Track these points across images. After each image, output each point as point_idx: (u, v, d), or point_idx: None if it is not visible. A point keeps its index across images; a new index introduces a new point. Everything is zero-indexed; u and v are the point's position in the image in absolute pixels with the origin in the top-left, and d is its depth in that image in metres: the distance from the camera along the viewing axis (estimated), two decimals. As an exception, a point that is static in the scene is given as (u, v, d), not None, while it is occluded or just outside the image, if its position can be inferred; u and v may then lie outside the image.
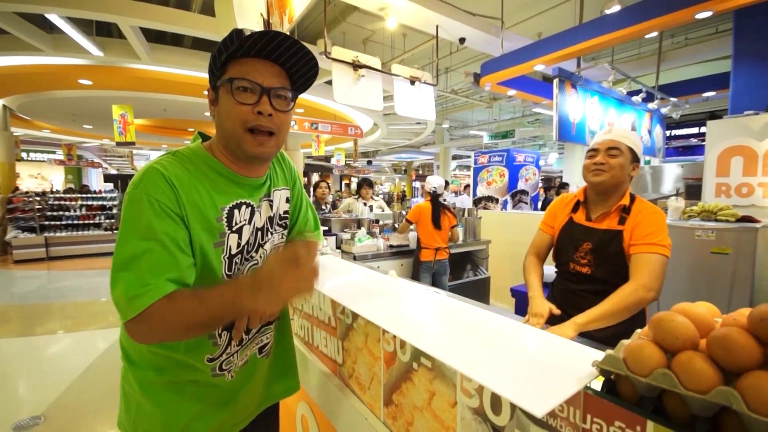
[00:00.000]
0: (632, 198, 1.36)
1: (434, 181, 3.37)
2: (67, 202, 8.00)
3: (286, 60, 0.74)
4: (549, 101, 6.52)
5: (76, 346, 3.58)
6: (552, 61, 4.38)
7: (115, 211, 8.64)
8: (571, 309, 1.30)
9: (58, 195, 8.15)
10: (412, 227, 3.45)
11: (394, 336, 0.82)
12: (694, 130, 9.94)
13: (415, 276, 3.33)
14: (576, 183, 8.14)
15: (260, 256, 0.84)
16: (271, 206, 0.87)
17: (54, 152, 15.20)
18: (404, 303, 0.96)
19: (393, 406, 0.85)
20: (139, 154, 16.67)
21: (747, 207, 2.88)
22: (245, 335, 0.85)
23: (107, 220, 8.46)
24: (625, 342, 0.49)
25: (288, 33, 0.69)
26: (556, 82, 4.02)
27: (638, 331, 0.52)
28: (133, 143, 7.29)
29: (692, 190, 3.80)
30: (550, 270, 1.60)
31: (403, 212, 4.09)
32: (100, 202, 8.58)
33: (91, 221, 8.33)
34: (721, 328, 0.41)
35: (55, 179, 17.41)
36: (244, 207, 0.79)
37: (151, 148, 14.59)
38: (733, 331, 0.40)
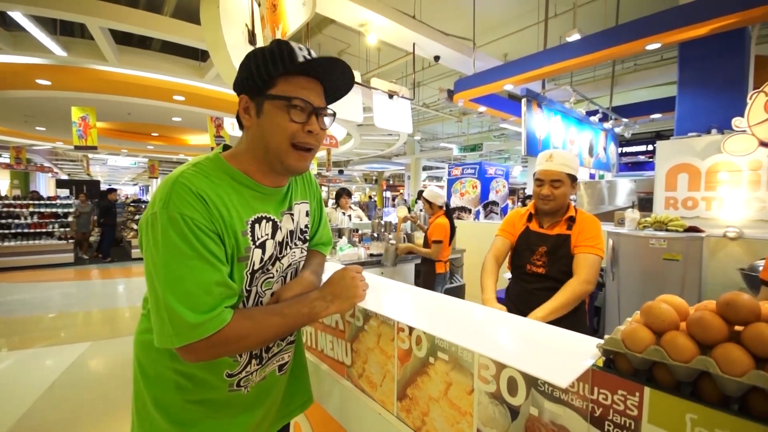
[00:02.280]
0: (575, 209, 1.66)
1: (441, 193, 3.30)
2: (17, 209, 7.42)
3: (328, 79, 0.78)
4: (515, 118, 6.92)
5: (34, 364, 3.34)
6: (520, 81, 4.70)
7: (70, 219, 8.11)
8: (526, 308, 1.52)
9: (6, 201, 7.55)
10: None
11: (410, 333, 0.90)
12: (643, 148, 10.85)
13: (429, 288, 3.31)
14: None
15: (276, 270, 0.84)
16: (293, 219, 0.88)
17: (0, 155, 14.02)
18: (416, 304, 1.05)
19: (407, 400, 0.92)
20: (96, 158, 15.72)
21: (692, 218, 3.22)
22: (265, 353, 0.86)
23: (61, 229, 7.92)
24: (620, 328, 0.60)
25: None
26: (524, 101, 4.32)
27: (628, 319, 0.63)
28: (94, 147, 6.92)
29: (644, 203, 4.18)
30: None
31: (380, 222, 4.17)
32: (52, 209, 8.03)
33: (43, 230, 7.76)
34: (697, 312, 0.53)
35: (0, 184, 16.02)
36: (264, 221, 0.79)
37: (109, 152, 13.82)
38: (706, 313, 0.51)
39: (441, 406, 0.83)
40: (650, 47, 3.58)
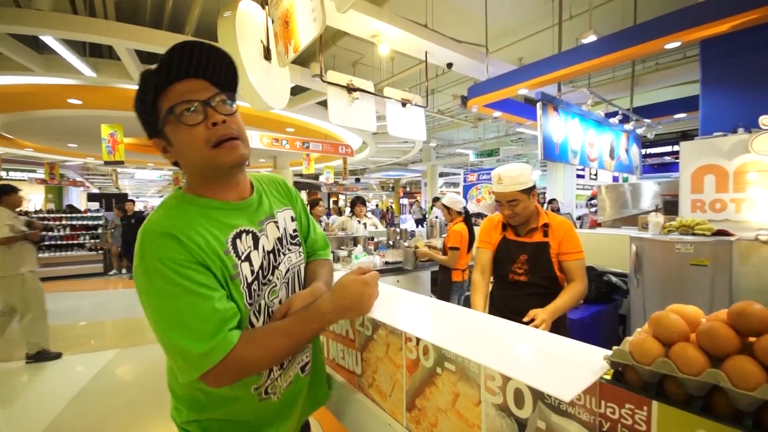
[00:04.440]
0: (544, 213, 1.72)
1: (460, 200, 3.32)
2: (51, 222, 7.82)
3: (203, 71, 0.73)
4: (531, 122, 6.83)
5: (65, 371, 3.48)
6: (535, 85, 4.64)
7: (99, 231, 8.47)
8: (511, 312, 1.56)
9: (41, 215, 7.96)
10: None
11: (417, 344, 0.89)
12: (668, 149, 10.49)
13: (444, 297, 3.30)
14: (560, 199, 8.43)
15: (277, 278, 0.85)
16: (278, 227, 0.87)
17: (34, 171, 14.84)
18: (424, 313, 1.04)
19: (416, 411, 0.91)
20: (124, 172, 16.42)
21: (721, 221, 3.08)
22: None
23: (91, 240, 8.28)
24: (628, 338, 0.59)
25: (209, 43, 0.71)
26: (539, 105, 4.26)
27: (638, 329, 0.61)
28: (121, 162, 7.24)
29: (669, 206, 4.02)
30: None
31: (397, 229, 4.18)
32: (83, 222, 8.41)
33: (75, 241, 8.14)
34: (707, 323, 0.51)
35: (35, 198, 16.92)
36: (244, 235, 0.78)
37: (136, 167, 14.41)
38: (717, 324, 0.49)
39: (449, 417, 0.82)
40: (670, 46, 3.48)
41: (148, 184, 23.25)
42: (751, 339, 0.49)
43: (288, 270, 0.88)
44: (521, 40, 6.47)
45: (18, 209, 3.88)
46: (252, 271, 0.78)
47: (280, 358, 0.74)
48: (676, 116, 7.41)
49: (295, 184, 15.88)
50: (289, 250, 0.89)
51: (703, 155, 3.31)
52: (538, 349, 0.76)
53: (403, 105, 4.31)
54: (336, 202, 21.75)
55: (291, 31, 2.16)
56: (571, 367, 0.63)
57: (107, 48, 6.27)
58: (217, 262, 0.71)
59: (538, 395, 0.63)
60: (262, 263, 0.80)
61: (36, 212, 8.36)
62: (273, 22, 2.43)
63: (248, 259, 0.77)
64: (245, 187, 0.84)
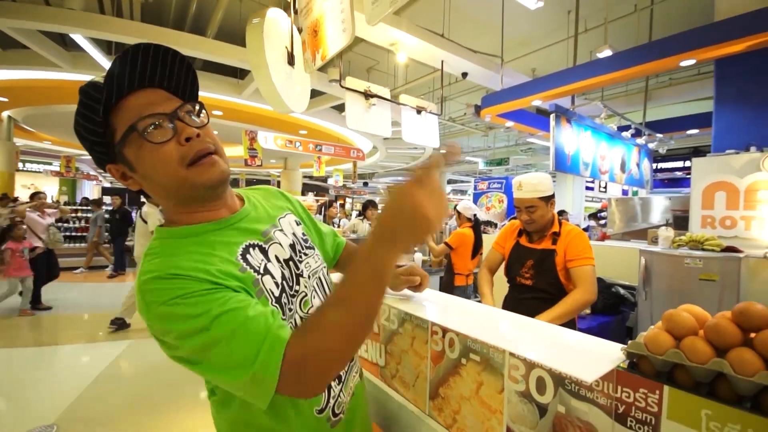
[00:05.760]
0: (560, 222, 1.77)
1: (473, 207, 3.43)
2: (66, 215, 8.01)
3: (161, 79, 0.62)
4: (543, 132, 6.89)
5: (81, 357, 3.60)
6: (549, 97, 4.71)
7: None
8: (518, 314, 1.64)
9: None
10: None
11: (443, 336, 0.97)
12: (679, 164, 10.47)
13: None
14: (569, 210, 8.45)
15: (305, 287, 0.75)
16: (285, 234, 0.78)
17: (50, 163, 15.18)
18: (448, 308, 1.12)
19: (439, 399, 0.99)
20: (137, 168, 16.70)
21: (730, 238, 3.12)
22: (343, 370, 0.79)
23: (106, 233, 8.46)
24: (643, 333, 0.66)
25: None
26: (553, 116, 4.33)
27: (652, 326, 0.68)
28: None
29: (680, 221, 4.05)
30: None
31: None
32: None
33: (88, 233, 8.32)
34: (713, 319, 0.58)
35: (48, 191, 17.27)
36: (251, 249, 0.68)
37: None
38: (722, 320, 0.57)
39: (472, 404, 0.89)
40: (685, 63, 3.55)
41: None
42: (752, 335, 0.56)
43: (312, 275, 0.79)
44: (536, 52, 6.55)
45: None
46: (276, 284, 0.68)
47: (349, 337, 0.54)
48: (689, 132, 7.43)
49: (303, 185, 16.06)
50: (305, 255, 0.80)
51: (714, 172, 3.35)
52: (559, 341, 0.83)
53: (418, 112, 4.41)
54: (342, 205, 21.90)
55: (320, 40, 2.26)
56: (589, 356, 0.70)
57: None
58: (237, 283, 0.60)
59: (559, 382, 0.70)
60: (283, 274, 0.71)
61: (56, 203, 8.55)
62: (301, 31, 2.54)
63: (267, 272, 0.67)
64: (234, 201, 0.74)
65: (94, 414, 2.60)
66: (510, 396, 0.80)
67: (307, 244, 0.83)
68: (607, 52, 4.37)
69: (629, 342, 0.65)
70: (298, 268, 0.76)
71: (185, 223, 0.66)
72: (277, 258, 0.72)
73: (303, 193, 13.20)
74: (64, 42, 5.82)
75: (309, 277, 0.78)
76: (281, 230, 0.77)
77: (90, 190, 18.11)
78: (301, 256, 0.78)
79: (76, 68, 5.89)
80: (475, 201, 6.59)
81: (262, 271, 0.66)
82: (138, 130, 0.58)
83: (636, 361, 0.64)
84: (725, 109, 3.91)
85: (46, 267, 5.13)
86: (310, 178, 16.63)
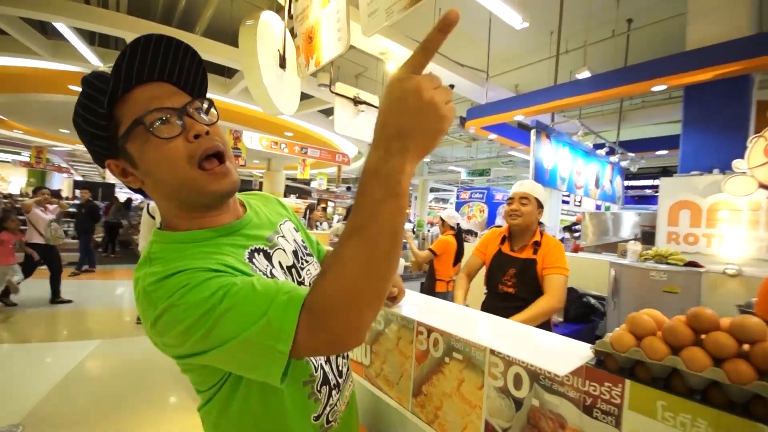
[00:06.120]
0: (541, 233, 1.86)
1: (456, 216, 3.54)
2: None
3: (170, 73, 0.60)
4: (524, 146, 7.13)
5: (50, 357, 3.46)
6: (530, 113, 4.90)
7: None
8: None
9: (20, 199, 7.81)
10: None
11: (428, 336, 1.02)
12: (649, 182, 11.00)
13: None
14: (547, 222, 8.73)
15: None
16: (287, 240, 0.76)
17: (19, 153, 14.50)
18: (433, 309, 1.18)
19: (422, 396, 1.04)
20: (112, 162, 16.15)
21: (693, 254, 3.32)
22: (339, 378, 0.78)
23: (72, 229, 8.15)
24: (609, 334, 0.73)
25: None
26: (534, 132, 4.51)
27: (617, 328, 0.76)
28: (117, 152, 7.22)
29: (647, 236, 4.28)
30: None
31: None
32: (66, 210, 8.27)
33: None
34: (669, 322, 0.66)
35: (15, 182, 16.48)
36: (257, 254, 0.66)
37: (126, 158, 14.25)
38: (677, 323, 0.64)
39: (453, 400, 0.94)
40: (656, 89, 3.78)
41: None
42: (703, 336, 0.64)
43: (310, 284, 0.73)
44: (519, 68, 6.81)
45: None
46: None
47: (374, 270, 0.45)
48: (658, 153, 7.84)
49: (286, 187, 15.92)
50: (306, 262, 0.79)
51: (680, 191, 3.57)
52: (535, 341, 0.90)
53: (405, 121, 4.50)
54: (324, 209, 21.81)
55: (314, 47, 2.31)
56: (562, 354, 0.77)
57: (114, 39, 6.33)
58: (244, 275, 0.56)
59: (534, 377, 0.77)
60: (286, 281, 0.66)
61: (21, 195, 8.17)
62: (296, 36, 2.58)
63: (274, 278, 0.65)
64: (237, 207, 0.71)
65: (61, 414, 2.51)
66: (489, 392, 0.86)
67: (307, 251, 0.82)
68: (585, 74, 4.61)
69: (597, 341, 0.72)
70: (300, 276, 0.74)
71: (186, 228, 0.62)
72: (280, 264, 0.70)
73: (285, 195, 13.09)
74: (45, 30, 5.64)
75: (310, 284, 0.71)
76: (283, 236, 0.76)
77: (60, 182, 17.37)
78: (302, 263, 0.77)
79: (56, 57, 5.72)
80: (457, 209, 6.72)
81: (269, 275, 0.64)
82: (144, 123, 0.55)
83: (602, 358, 0.72)
84: (692, 132, 4.18)
85: (48, 263, 5.02)
86: (293, 180, 16.51)
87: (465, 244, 4.11)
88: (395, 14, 1.87)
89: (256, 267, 0.63)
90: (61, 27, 4.74)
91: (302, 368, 0.68)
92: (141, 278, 0.55)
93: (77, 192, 11.98)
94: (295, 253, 0.76)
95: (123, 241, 10.16)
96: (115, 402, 2.71)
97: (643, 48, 5.61)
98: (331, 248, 1.06)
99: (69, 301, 5.07)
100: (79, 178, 19.26)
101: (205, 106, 0.63)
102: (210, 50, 5.33)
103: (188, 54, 0.61)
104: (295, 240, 0.79)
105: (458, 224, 3.49)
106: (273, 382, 0.50)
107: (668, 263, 2.79)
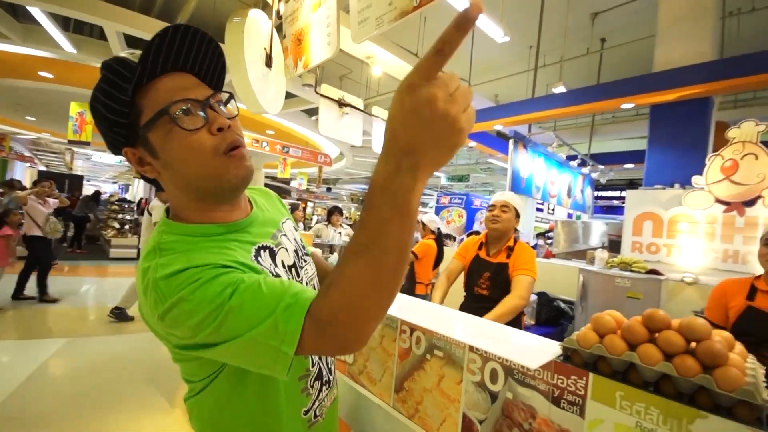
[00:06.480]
0: (515, 240, 2.01)
1: (437, 220, 3.60)
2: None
3: (194, 65, 0.60)
4: (502, 155, 7.35)
5: (10, 356, 3.29)
6: (509, 123, 5.09)
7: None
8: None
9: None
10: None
11: (411, 334, 1.08)
12: (617, 194, 11.55)
13: None
14: (521, 230, 9.01)
15: None
16: (289, 239, 0.77)
17: (-23, 139, 13.61)
18: (415, 310, 1.23)
19: (403, 392, 1.09)
20: (80, 153, 15.42)
21: (655, 262, 3.54)
22: (330, 374, 0.79)
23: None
24: (576, 332, 0.81)
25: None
26: (512, 142, 4.68)
27: (583, 327, 0.84)
28: (88, 143, 6.94)
29: (614, 245, 4.52)
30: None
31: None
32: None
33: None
34: (627, 321, 0.74)
35: (-29, 169, 15.44)
36: (263, 252, 0.66)
37: (96, 149, 13.63)
38: (634, 322, 0.73)
39: (433, 395, 1.00)
40: (625, 107, 4.02)
41: (105, 167, 21.88)
42: (656, 334, 0.72)
43: (308, 284, 0.78)
44: (500, 79, 7.02)
45: None
46: None
47: (379, 287, 0.46)
48: (626, 166, 8.25)
49: (265, 185, 15.69)
50: (305, 261, 0.79)
51: (644, 203, 3.80)
52: (509, 339, 0.97)
53: (389, 125, 4.57)
54: (304, 209, 21.60)
55: (303, 49, 2.33)
56: (533, 350, 0.85)
57: (89, 26, 6.10)
58: (253, 272, 0.57)
59: (509, 372, 0.83)
60: (288, 279, 0.69)
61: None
62: (285, 37, 2.59)
63: (278, 277, 0.64)
64: (246, 204, 0.72)
65: (28, 415, 2.40)
66: (467, 386, 0.92)
67: (305, 251, 0.82)
68: (561, 89, 4.83)
69: (565, 339, 0.80)
70: (299, 275, 0.74)
71: (198, 221, 0.62)
72: (283, 263, 0.70)
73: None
74: (15, 13, 5.36)
75: (306, 284, 0.76)
76: (285, 235, 0.76)
77: (22, 172, 16.42)
78: (302, 263, 0.77)
79: (27, 42, 5.44)
80: (437, 213, 6.85)
81: (273, 274, 0.65)
82: (170, 114, 0.55)
83: (569, 354, 0.79)
84: (656, 149, 4.45)
85: (41, 257, 4.82)
86: (273, 179, 16.29)
87: (444, 248, 4.21)
88: (385, 24, 1.94)
89: (262, 265, 0.63)
90: (35, 11, 4.54)
91: (301, 363, 0.70)
92: (151, 268, 0.54)
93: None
94: (296, 252, 0.76)
95: (90, 236, 9.73)
96: (82, 403, 2.62)
97: (615, 66, 5.93)
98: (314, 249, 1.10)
99: (56, 300, 4.86)
100: (43, 168, 18.28)
101: (227, 98, 0.63)
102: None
103: (211, 46, 0.61)
104: (295, 239, 0.79)
105: (438, 228, 3.58)
106: (278, 376, 0.51)
107: (632, 270, 2.97)
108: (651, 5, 4.50)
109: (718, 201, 3.33)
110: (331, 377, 0.80)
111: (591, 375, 0.73)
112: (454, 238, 6.54)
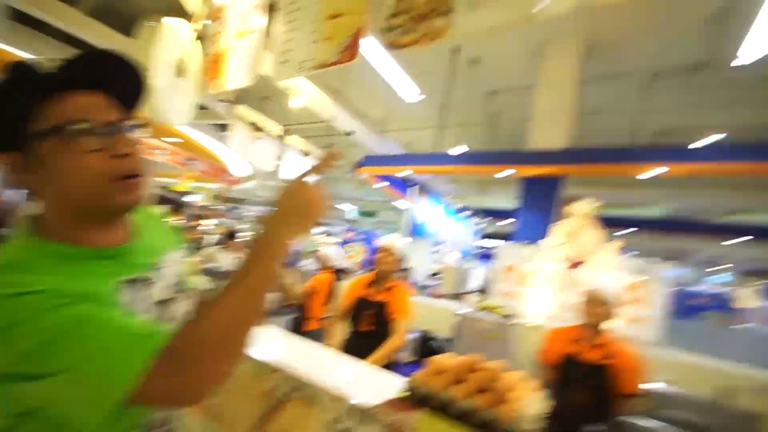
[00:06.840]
0: (396, 282, 2.27)
1: (335, 257, 3.63)
2: None
3: (110, 86, 0.60)
4: (405, 197, 7.96)
5: None
6: (418, 172, 5.60)
7: None
8: (361, 357, 1.91)
9: None
10: None
11: (273, 375, 1.15)
12: (498, 243, 13.27)
13: None
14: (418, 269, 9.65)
15: None
16: (171, 272, 0.73)
17: None
18: (284, 350, 1.30)
19: None
20: None
21: (513, 307, 4.17)
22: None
23: None
24: (415, 373, 0.99)
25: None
26: (417, 188, 5.16)
27: (416, 371, 1.02)
28: None
29: (481, 290, 5.18)
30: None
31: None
32: None
33: None
34: (452, 364, 0.94)
35: None
36: (128, 284, 0.61)
37: None
38: (456, 365, 0.93)
39: None
40: (499, 175, 4.81)
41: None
42: (470, 375, 0.94)
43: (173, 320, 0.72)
44: (411, 129, 7.71)
45: None
46: None
47: (243, 320, 0.51)
48: (506, 221, 9.61)
49: (159, 197, 14.01)
50: (182, 297, 0.75)
51: (510, 256, 4.50)
52: (368, 379, 1.11)
53: (305, 155, 4.66)
54: (197, 227, 19.63)
55: (218, 70, 2.34)
56: (384, 389, 1.00)
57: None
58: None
59: (360, 411, 0.97)
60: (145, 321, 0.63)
61: None
62: (206, 56, 2.56)
63: (135, 313, 0.61)
64: (126, 229, 0.67)
65: None
66: (324, 425, 1.03)
67: (186, 286, 0.77)
68: (460, 149, 5.55)
69: (407, 380, 0.97)
70: (171, 312, 0.70)
71: (66, 239, 0.58)
72: (151, 298, 0.66)
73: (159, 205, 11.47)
74: None
75: (173, 320, 0.71)
76: (166, 267, 0.72)
77: None
78: (178, 299, 0.73)
79: None
80: (342, 246, 7.00)
81: (133, 310, 0.61)
82: (72, 130, 0.54)
83: (410, 391, 0.97)
84: (523, 210, 5.34)
85: None
86: (163, 188, 14.64)
87: (338, 282, 4.32)
88: (305, 70, 2.09)
89: (122, 299, 0.59)
90: None
91: (137, 412, 0.61)
92: None
93: None
94: (172, 286, 0.72)
95: None
96: None
97: (503, 133, 6.98)
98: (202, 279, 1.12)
99: None
100: None
101: (137, 125, 0.62)
102: (97, 34, 4.71)
103: (135, 73, 0.62)
104: (179, 273, 0.75)
105: (337, 265, 3.70)
106: (86, 423, 0.48)
107: (493, 314, 3.47)
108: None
109: (559, 260, 4.13)
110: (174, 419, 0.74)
111: (424, 410, 0.90)
112: (352, 273, 6.71)
